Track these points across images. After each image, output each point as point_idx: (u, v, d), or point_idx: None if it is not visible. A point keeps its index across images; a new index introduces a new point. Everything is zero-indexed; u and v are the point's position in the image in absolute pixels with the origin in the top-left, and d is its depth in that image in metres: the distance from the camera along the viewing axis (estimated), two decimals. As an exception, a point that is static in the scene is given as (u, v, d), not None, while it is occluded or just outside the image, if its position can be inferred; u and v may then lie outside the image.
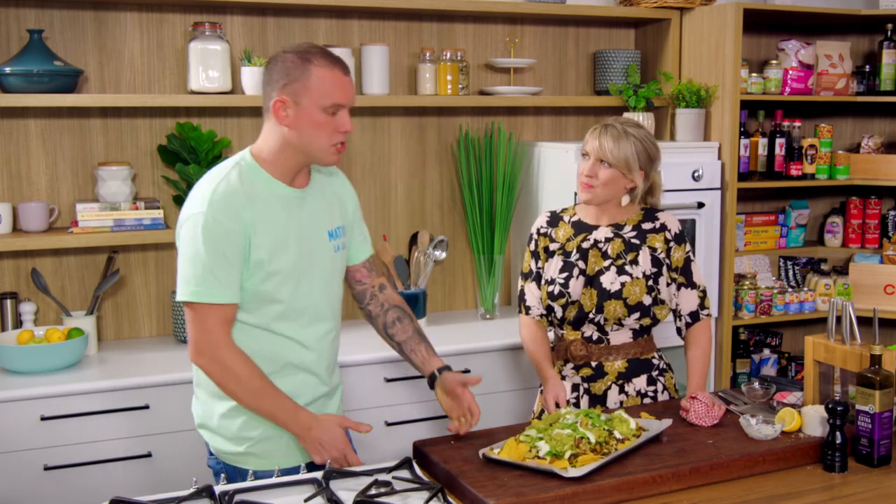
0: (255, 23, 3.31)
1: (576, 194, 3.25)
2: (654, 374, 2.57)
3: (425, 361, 2.31)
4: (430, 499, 1.84)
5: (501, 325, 3.46)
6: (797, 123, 3.81)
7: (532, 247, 2.64)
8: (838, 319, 2.29)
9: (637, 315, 2.49)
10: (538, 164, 3.55)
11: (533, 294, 2.61)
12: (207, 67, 3.04)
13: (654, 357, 2.59)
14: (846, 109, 4.24)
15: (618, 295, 2.48)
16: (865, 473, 2.06)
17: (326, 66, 2.01)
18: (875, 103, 4.13)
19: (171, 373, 2.80)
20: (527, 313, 2.63)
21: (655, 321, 2.54)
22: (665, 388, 2.59)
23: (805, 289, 3.84)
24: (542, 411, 2.63)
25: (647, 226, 2.56)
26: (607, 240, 2.54)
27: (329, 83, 2.00)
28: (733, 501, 1.92)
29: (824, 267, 3.99)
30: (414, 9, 3.37)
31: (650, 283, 2.50)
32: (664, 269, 2.54)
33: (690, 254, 2.58)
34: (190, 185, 3.06)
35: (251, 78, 3.11)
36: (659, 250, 2.54)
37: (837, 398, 2.28)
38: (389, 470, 2.02)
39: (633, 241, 2.54)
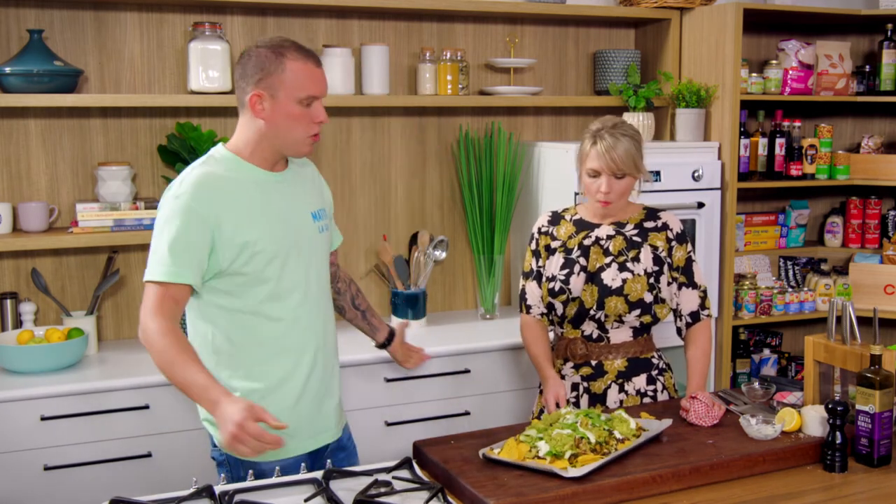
0: (255, 23, 3.31)
1: (576, 194, 3.26)
2: (654, 373, 2.57)
3: (381, 325, 2.55)
4: (430, 499, 1.84)
5: (501, 325, 3.46)
6: (797, 123, 3.81)
7: (533, 246, 2.64)
8: (838, 319, 2.29)
9: (637, 312, 2.50)
10: (538, 164, 3.55)
11: (534, 293, 2.62)
12: (207, 67, 3.04)
13: (653, 356, 2.59)
14: (846, 109, 4.24)
15: (619, 291, 2.48)
16: (865, 473, 2.06)
17: (300, 59, 2.05)
18: (875, 103, 4.13)
19: (171, 373, 2.80)
20: (527, 312, 2.63)
21: (656, 319, 2.54)
22: (665, 387, 2.59)
23: (805, 289, 3.84)
24: (542, 411, 2.63)
25: (648, 224, 2.57)
26: (609, 237, 2.54)
27: (303, 76, 2.05)
28: (733, 501, 1.92)
29: (824, 267, 3.99)
30: (414, 9, 3.37)
31: (651, 280, 2.50)
32: (665, 267, 2.54)
33: (692, 254, 2.59)
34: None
35: (251, 78, 3.11)
36: (660, 249, 2.54)
37: (837, 398, 2.29)
38: (389, 470, 2.02)
39: (635, 238, 2.54)
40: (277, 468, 2.06)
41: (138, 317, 3.20)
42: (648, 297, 2.50)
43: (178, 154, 3.14)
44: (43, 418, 2.67)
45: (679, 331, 2.60)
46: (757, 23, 3.91)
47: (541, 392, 2.68)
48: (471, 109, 3.65)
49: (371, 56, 3.31)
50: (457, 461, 2.03)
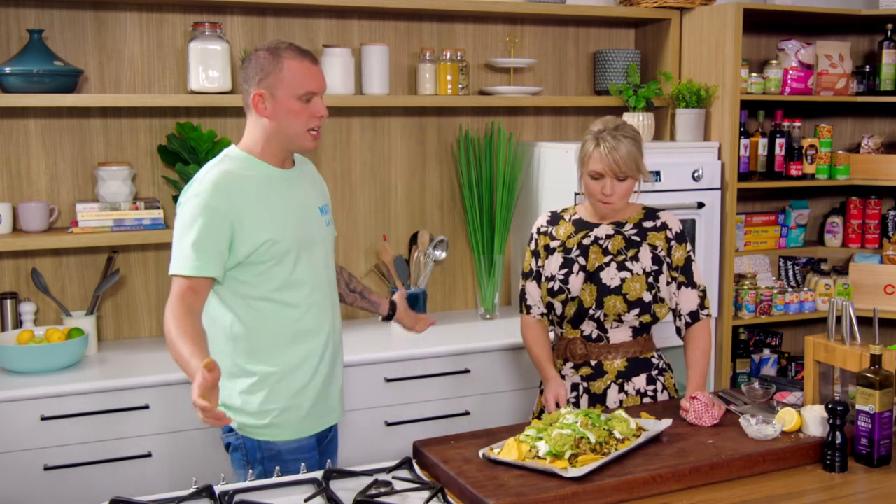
0: (255, 23, 3.31)
1: (576, 194, 3.26)
2: (654, 373, 2.57)
3: (381, 300, 2.67)
4: (429, 499, 1.85)
5: (501, 325, 3.46)
6: (797, 123, 3.81)
7: (532, 246, 2.64)
8: (838, 319, 2.29)
9: (637, 311, 2.50)
10: (538, 164, 3.55)
11: (533, 293, 2.62)
12: (207, 67, 3.04)
13: (653, 356, 2.59)
14: (846, 109, 4.24)
15: (618, 290, 2.48)
16: (865, 473, 2.06)
17: (296, 58, 2.18)
18: (875, 103, 4.13)
19: (171, 373, 2.80)
20: (528, 313, 2.63)
21: (655, 319, 2.54)
22: (665, 387, 2.59)
23: (805, 289, 3.84)
24: (542, 411, 2.63)
25: (647, 224, 2.57)
26: (608, 237, 2.54)
27: (300, 73, 2.17)
28: (733, 501, 1.92)
29: (824, 267, 3.99)
30: (414, 9, 3.37)
31: (650, 279, 2.50)
32: (664, 267, 2.54)
33: (691, 253, 2.58)
34: (190, 185, 3.07)
35: (251, 78, 3.11)
36: (660, 248, 2.54)
37: (837, 398, 2.28)
38: (389, 470, 2.02)
39: (634, 238, 2.54)
40: (277, 468, 2.07)
41: (138, 317, 3.27)
42: (647, 297, 2.50)
43: (178, 154, 3.14)
44: (43, 418, 2.67)
45: (678, 331, 2.60)
46: (757, 23, 3.91)
47: (541, 392, 2.68)
48: (471, 109, 3.65)
49: (371, 56, 3.31)
50: (457, 461, 2.03)
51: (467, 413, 3.16)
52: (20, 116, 3.07)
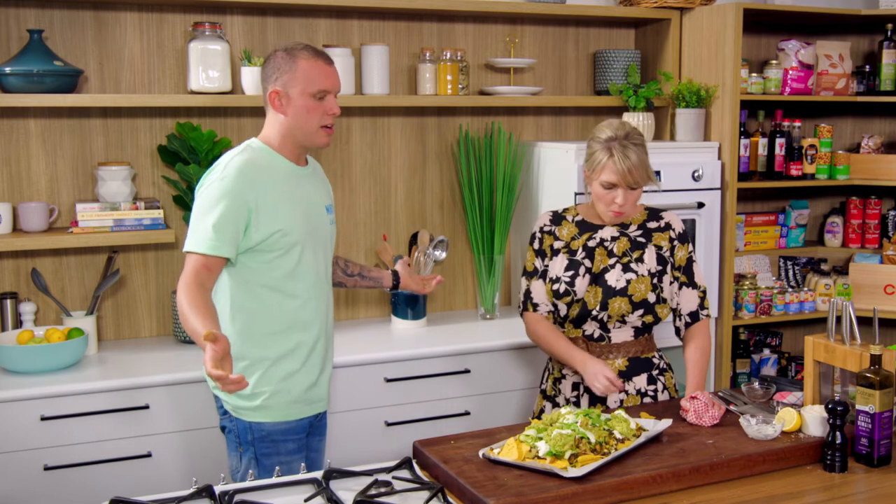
0: (255, 23, 3.31)
1: (576, 194, 3.26)
2: (655, 373, 2.57)
3: (382, 273, 2.79)
4: (429, 499, 1.85)
5: (501, 325, 3.46)
6: (797, 123, 3.81)
7: (536, 245, 2.63)
8: (838, 319, 2.29)
9: (641, 312, 2.50)
10: (538, 164, 3.55)
11: (539, 292, 2.61)
12: (207, 67, 3.04)
13: (654, 356, 2.59)
14: (846, 109, 4.24)
15: (623, 292, 2.48)
16: (865, 473, 2.06)
17: (311, 58, 2.32)
18: (875, 103, 4.13)
19: (171, 373, 2.80)
20: (534, 310, 2.62)
21: (657, 319, 2.54)
22: (665, 387, 2.59)
23: (805, 289, 3.84)
24: (543, 411, 2.63)
25: (652, 225, 2.57)
26: (613, 239, 2.55)
27: (314, 72, 2.31)
28: (733, 501, 1.92)
29: (824, 267, 3.99)
30: (414, 9, 3.37)
31: (655, 280, 2.50)
32: (668, 267, 2.54)
33: (692, 254, 2.59)
34: (190, 186, 3.07)
35: (251, 78, 3.12)
36: (664, 249, 2.54)
37: (837, 398, 2.28)
38: (389, 470, 2.02)
39: (640, 239, 2.54)
40: (277, 468, 2.08)
41: (138, 317, 3.27)
42: (652, 298, 2.50)
43: (178, 154, 3.14)
44: (43, 418, 2.67)
45: (678, 331, 2.60)
46: (757, 23, 3.91)
47: (542, 392, 2.68)
48: (471, 109, 3.65)
49: (371, 56, 3.31)
50: (457, 461, 2.03)
51: (467, 413, 3.16)
52: (20, 116, 3.07)
